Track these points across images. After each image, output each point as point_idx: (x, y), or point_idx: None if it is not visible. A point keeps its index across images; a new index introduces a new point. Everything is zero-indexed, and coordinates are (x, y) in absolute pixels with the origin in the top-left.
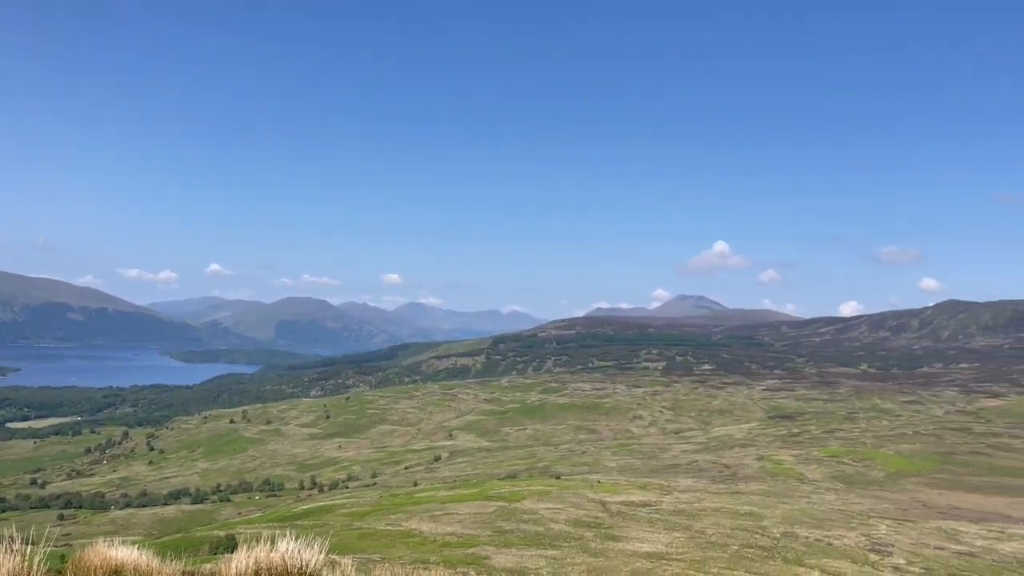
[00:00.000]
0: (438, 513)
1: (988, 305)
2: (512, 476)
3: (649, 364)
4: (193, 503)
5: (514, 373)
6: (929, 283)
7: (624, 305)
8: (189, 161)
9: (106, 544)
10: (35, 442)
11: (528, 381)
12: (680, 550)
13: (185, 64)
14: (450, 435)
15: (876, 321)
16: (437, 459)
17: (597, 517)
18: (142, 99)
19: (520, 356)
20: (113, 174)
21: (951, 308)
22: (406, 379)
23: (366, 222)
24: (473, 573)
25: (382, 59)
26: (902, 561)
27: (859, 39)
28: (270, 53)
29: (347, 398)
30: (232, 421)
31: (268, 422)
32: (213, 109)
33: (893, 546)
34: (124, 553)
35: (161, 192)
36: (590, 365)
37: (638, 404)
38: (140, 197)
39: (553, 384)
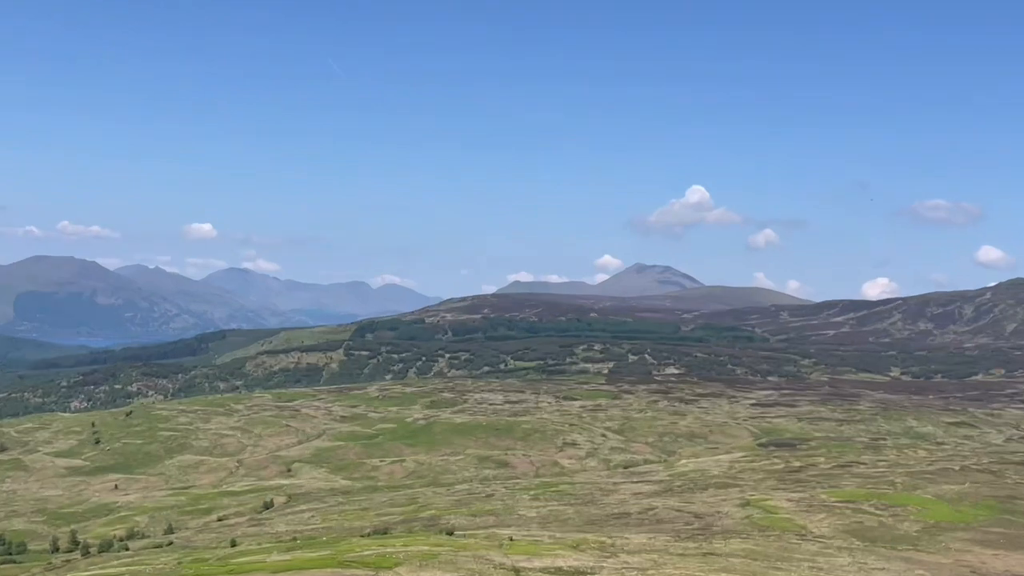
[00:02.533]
0: None
1: None
2: (383, 531)
3: (589, 366)
4: None
5: (388, 377)
6: (990, 253)
7: (555, 278)
8: None
9: None
10: None
11: (409, 390)
12: None
13: None
14: (288, 469)
15: (914, 307)
16: (268, 506)
17: None
18: None
19: (398, 352)
20: None
21: (1019, 290)
22: (221, 385)
23: (158, 141)
24: None
25: None
26: None
27: None
28: None
29: (129, 413)
30: None
31: (2, 449)
32: None
33: None
34: None
35: None
36: (502, 367)
37: (571, 425)
38: None
39: (447, 394)
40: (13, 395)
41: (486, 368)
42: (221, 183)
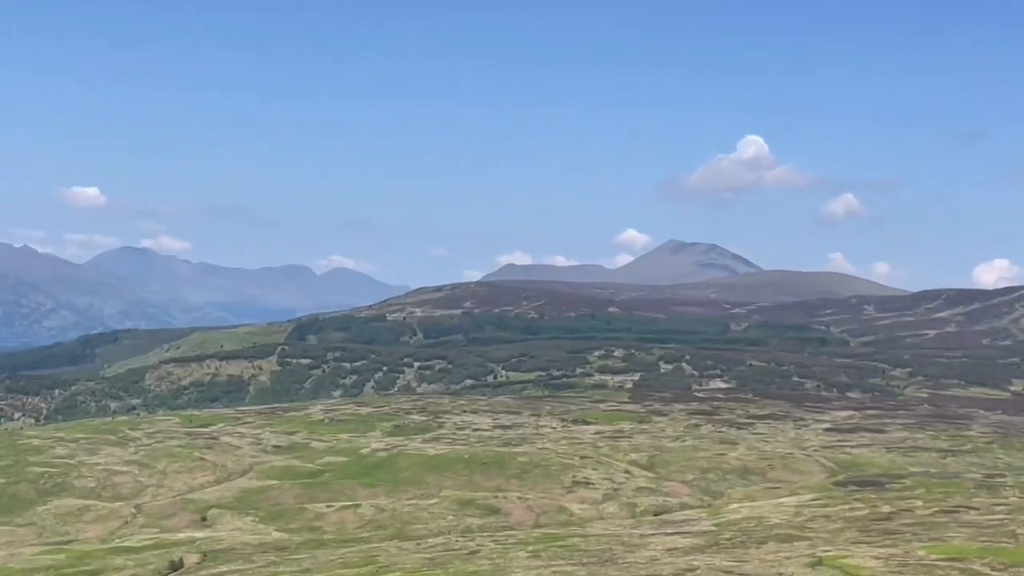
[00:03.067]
0: None
1: None
2: None
3: (608, 378)
4: None
5: (337, 393)
6: None
7: (561, 260)
8: None
9: None
10: None
11: (366, 411)
12: None
13: None
14: (203, 518)
15: None
16: (176, 567)
17: None
18: None
19: (350, 360)
20: None
21: None
22: (113, 404)
23: (15, 73)
24: None
25: None
26: None
27: None
28: None
29: None
30: None
31: None
32: None
33: None
34: None
35: None
36: (491, 379)
37: (584, 458)
38: None
39: (416, 417)
40: None
41: (469, 381)
42: (110, 134)
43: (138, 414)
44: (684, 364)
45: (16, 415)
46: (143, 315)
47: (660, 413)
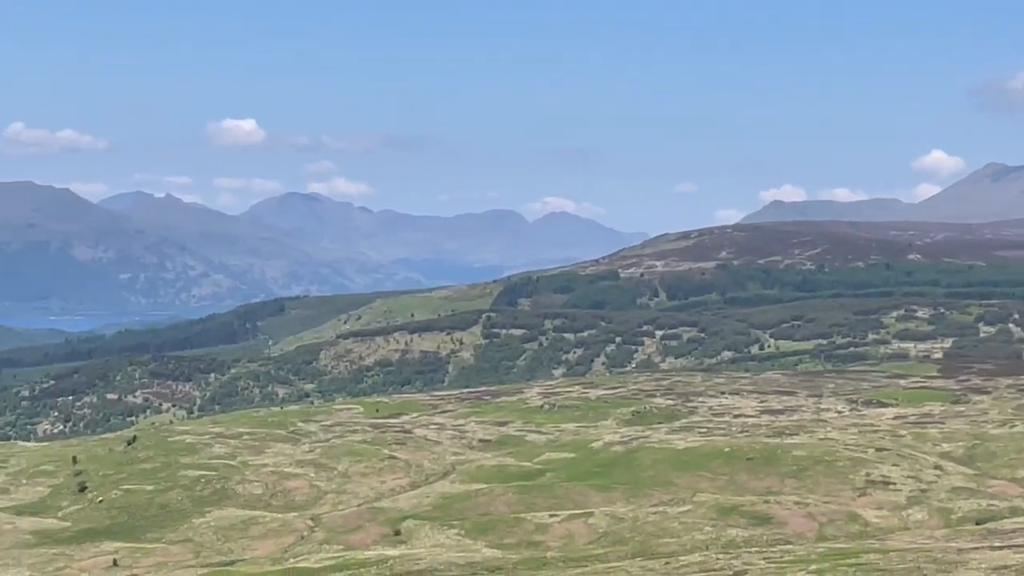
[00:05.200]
0: None
1: None
2: None
3: (910, 346)
4: None
5: (558, 372)
6: None
7: (844, 193)
8: None
9: None
10: None
11: (596, 394)
12: None
13: None
14: (396, 531)
15: None
16: None
17: None
18: None
19: (573, 329)
20: None
21: None
22: (280, 391)
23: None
24: None
25: None
26: None
27: None
28: None
29: (131, 440)
30: None
31: None
32: None
33: None
34: None
35: None
36: (754, 350)
37: (880, 451)
38: None
39: (660, 400)
40: None
41: (727, 354)
42: (268, 54)
43: (312, 402)
44: (1012, 326)
45: (164, 406)
46: (314, 278)
47: (980, 391)
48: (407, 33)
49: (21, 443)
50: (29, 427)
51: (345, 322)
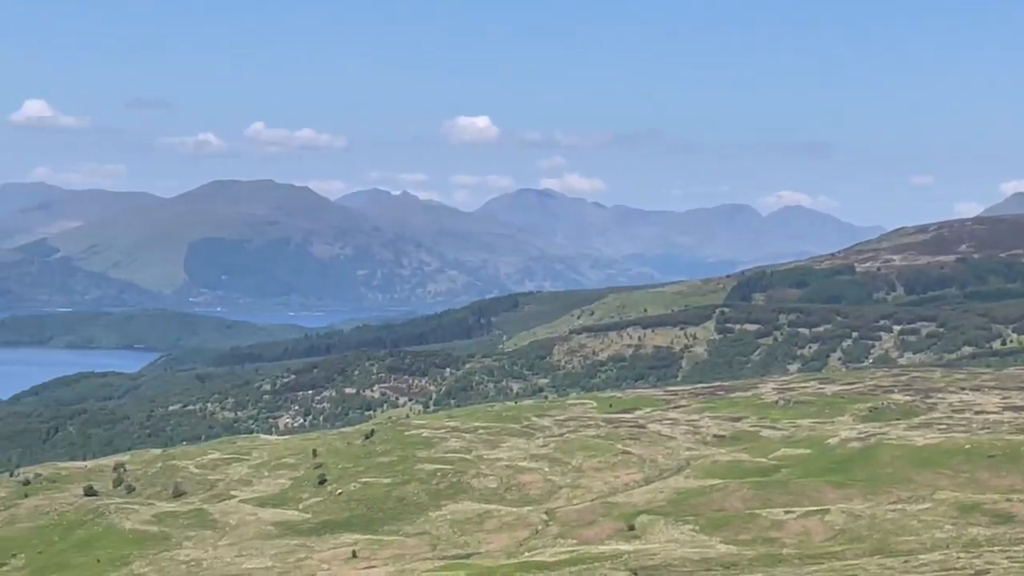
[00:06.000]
0: None
1: None
2: None
3: None
4: None
5: (793, 366)
6: None
7: None
8: None
9: None
10: None
11: (832, 389)
12: None
13: None
14: (630, 526)
15: None
16: None
17: None
18: None
19: (808, 324)
20: None
21: None
22: (515, 385)
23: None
24: None
25: None
26: None
27: None
28: None
29: (369, 434)
30: (91, 492)
31: (178, 493)
32: None
33: None
34: None
35: None
36: (996, 345)
37: None
38: None
39: (898, 396)
40: (190, 407)
41: (967, 349)
42: (501, 51)
43: (546, 397)
44: None
45: (401, 400)
46: (547, 273)
47: None
48: (638, 29)
49: (263, 436)
50: (270, 420)
51: (578, 317)
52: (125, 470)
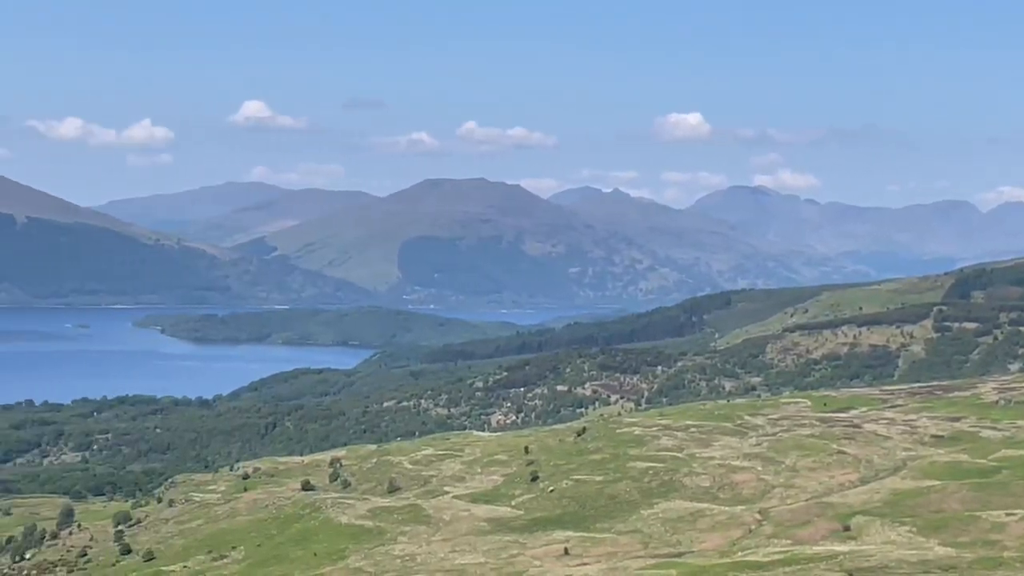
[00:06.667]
0: None
1: None
2: None
3: None
4: None
5: (1015, 366)
6: None
7: None
8: None
9: None
10: None
11: None
12: None
13: None
14: (846, 527)
15: None
16: None
17: None
18: None
19: None
20: None
21: None
22: (727, 384)
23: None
24: None
25: None
26: None
27: None
28: None
29: (581, 431)
30: (308, 486)
31: (393, 488)
32: None
33: None
34: None
35: None
36: None
37: None
38: None
39: None
40: (403, 403)
41: None
42: (712, 55)
43: (758, 395)
44: None
45: (612, 398)
46: (759, 271)
47: None
48: (852, 23)
49: (476, 433)
50: (483, 417)
51: (791, 315)
52: (341, 465)
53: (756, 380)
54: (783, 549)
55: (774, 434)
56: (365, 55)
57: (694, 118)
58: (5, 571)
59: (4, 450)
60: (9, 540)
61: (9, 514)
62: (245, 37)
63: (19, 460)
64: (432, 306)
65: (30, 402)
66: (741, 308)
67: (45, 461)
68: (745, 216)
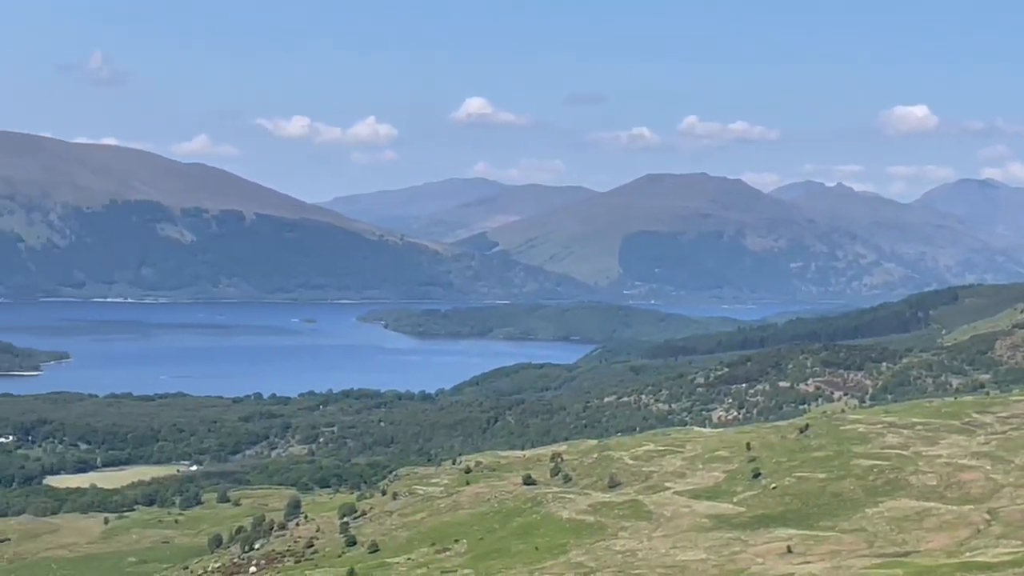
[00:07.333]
0: None
1: None
2: None
3: None
4: None
5: None
6: None
7: None
8: None
9: None
10: (107, 521)
11: None
12: None
13: None
14: None
15: None
16: None
17: None
18: None
19: None
20: None
21: None
22: (954, 381)
23: None
24: None
25: None
26: None
27: None
28: None
29: (803, 428)
30: (529, 480)
31: (613, 484)
32: None
33: None
34: None
35: None
36: None
37: None
38: None
39: None
40: (624, 398)
41: None
42: (939, 45)
43: (987, 392)
44: None
45: (836, 395)
46: (988, 265)
47: None
48: None
49: (697, 429)
50: (704, 413)
51: (1021, 311)
52: (562, 460)
53: (985, 377)
54: (1013, 550)
55: (1003, 432)
56: (587, 51)
57: (920, 111)
58: (235, 560)
59: (234, 442)
60: (239, 530)
61: (238, 505)
62: (467, 35)
63: (248, 452)
64: (652, 301)
65: (258, 395)
66: (969, 303)
67: (273, 453)
68: (973, 210)
